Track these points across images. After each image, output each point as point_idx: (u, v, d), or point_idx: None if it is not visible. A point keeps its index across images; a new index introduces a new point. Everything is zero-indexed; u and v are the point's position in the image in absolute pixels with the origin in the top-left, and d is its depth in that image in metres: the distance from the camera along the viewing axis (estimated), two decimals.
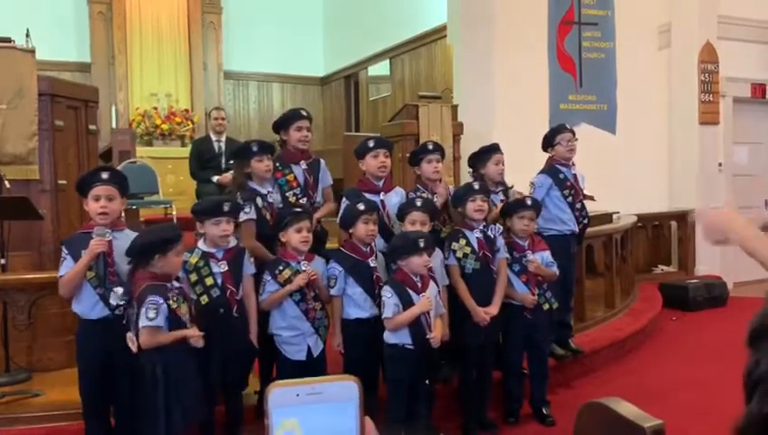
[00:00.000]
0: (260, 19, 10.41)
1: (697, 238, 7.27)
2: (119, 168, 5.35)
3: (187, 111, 9.71)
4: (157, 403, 2.67)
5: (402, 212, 3.49)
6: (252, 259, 3.21)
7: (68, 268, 2.87)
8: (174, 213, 6.62)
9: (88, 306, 2.87)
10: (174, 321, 2.74)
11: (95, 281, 2.84)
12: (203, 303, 3.00)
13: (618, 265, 5.94)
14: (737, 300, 6.70)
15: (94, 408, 2.95)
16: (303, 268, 3.18)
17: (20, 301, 3.63)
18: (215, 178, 5.81)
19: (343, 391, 0.70)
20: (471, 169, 4.18)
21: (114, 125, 8.79)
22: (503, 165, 4.07)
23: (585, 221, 4.45)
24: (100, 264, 2.82)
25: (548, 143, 4.37)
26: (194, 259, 3.05)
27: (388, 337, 3.22)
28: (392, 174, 4.29)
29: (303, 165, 3.68)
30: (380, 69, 9.71)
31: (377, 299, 3.29)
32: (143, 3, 9.65)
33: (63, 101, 4.22)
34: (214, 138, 6.21)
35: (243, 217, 3.31)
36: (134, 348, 2.72)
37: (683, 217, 7.57)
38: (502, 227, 3.77)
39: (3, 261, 3.77)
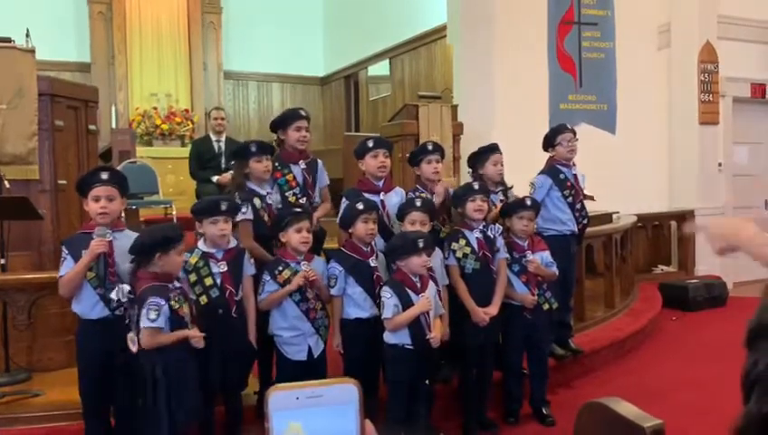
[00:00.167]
0: (260, 19, 10.40)
1: (697, 239, 7.28)
2: (119, 168, 5.35)
3: (186, 111, 9.70)
4: (157, 403, 2.67)
5: (402, 212, 3.49)
6: (252, 260, 3.21)
7: (68, 268, 2.87)
8: (174, 213, 6.61)
9: (88, 306, 2.88)
10: (176, 321, 2.74)
11: (95, 281, 2.85)
12: (202, 303, 3.00)
13: (617, 265, 5.94)
14: (737, 300, 6.71)
15: (94, 408, 2.95)
16: (303, 268, 3.18)
17: (20, 301, 3.63)
18: (214, 179, 5.81)
19: (343, 393, 0.70)
20: (470, 170, 4.18)
21: (114, 125, 8.78)
22: (501, 165, 4.06)
23: (585, 221, 4.45)
24: (101, 264, 2.82)
25: (549, 143, 4.36)
26: (193, 259, 3.05)
27: (388, 337, 3.22)
28: (392, 174, 4.29)
29: (302, 165, 3.68)
30: (380, 69, 9.70)
31: (377, 299, 3.29)
32: (143, 3, 9.64)
33: (63, 101, 4.22)
34: (214, 138, 6.21)
35: (239, 217, 3.32)
36: (134, 349, 2.72)
37: (683, 218, 7.57)
38: (501, 228, 3.77)
39: (3, 261, 3.77)
